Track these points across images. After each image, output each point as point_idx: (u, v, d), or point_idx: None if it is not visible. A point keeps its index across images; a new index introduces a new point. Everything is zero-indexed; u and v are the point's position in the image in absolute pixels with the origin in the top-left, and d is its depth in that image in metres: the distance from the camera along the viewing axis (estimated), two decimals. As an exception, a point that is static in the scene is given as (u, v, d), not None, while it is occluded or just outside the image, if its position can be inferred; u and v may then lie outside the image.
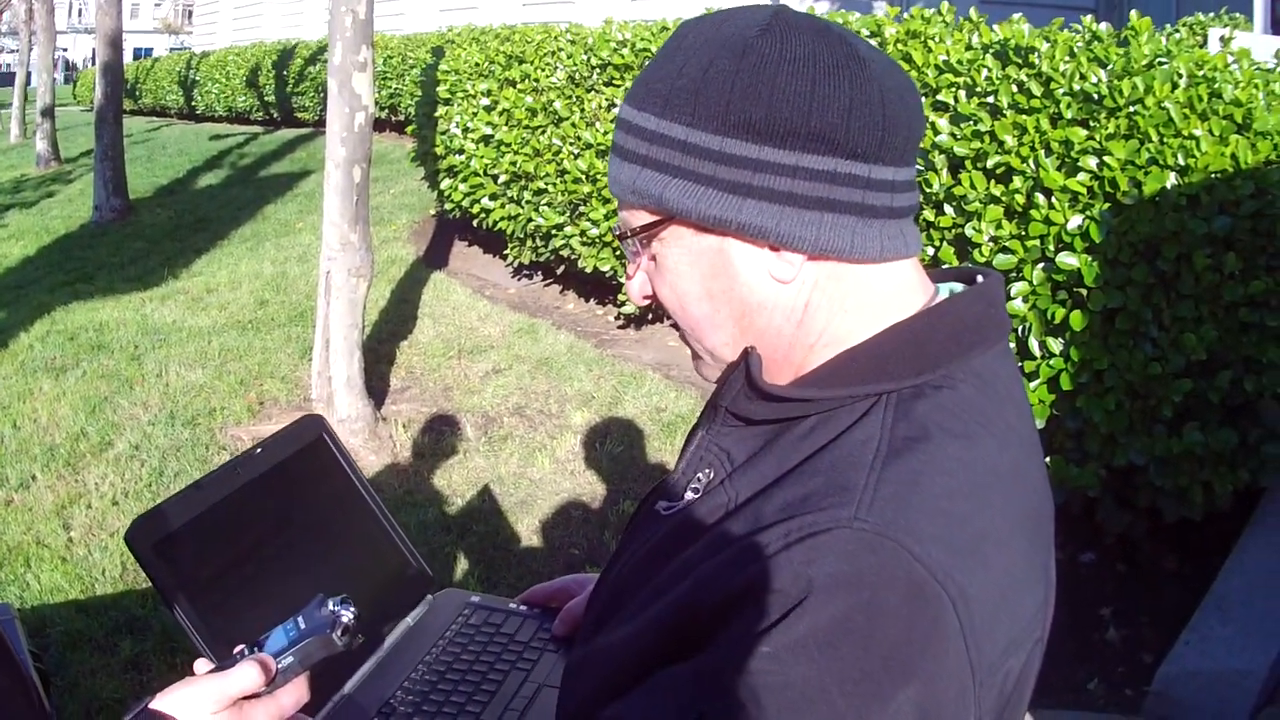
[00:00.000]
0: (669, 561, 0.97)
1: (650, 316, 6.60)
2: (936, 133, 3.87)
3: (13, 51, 34.85)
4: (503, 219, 7.35)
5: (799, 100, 0.91)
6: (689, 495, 1.04)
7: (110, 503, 4.82)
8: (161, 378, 6.31)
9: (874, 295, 0.98)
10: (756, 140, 0.92)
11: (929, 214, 3.84)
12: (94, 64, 15.30)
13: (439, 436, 5.34)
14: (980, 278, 1.06)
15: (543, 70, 7.04)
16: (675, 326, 1.09)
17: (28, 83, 25.49)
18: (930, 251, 3.82)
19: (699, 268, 1.00)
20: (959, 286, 1.06)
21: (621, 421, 5.33)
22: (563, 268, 7.18)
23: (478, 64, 7.93)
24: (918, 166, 3.71)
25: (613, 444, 5.10)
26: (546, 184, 6.67)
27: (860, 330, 0.97)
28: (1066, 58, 3.82)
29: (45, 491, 4.95)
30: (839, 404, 0.94)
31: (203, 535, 1.22)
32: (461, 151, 7.69)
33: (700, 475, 1.04)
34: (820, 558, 0.81)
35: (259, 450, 1.32)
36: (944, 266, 1.14)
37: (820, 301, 0.97)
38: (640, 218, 1.02)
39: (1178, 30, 4.25)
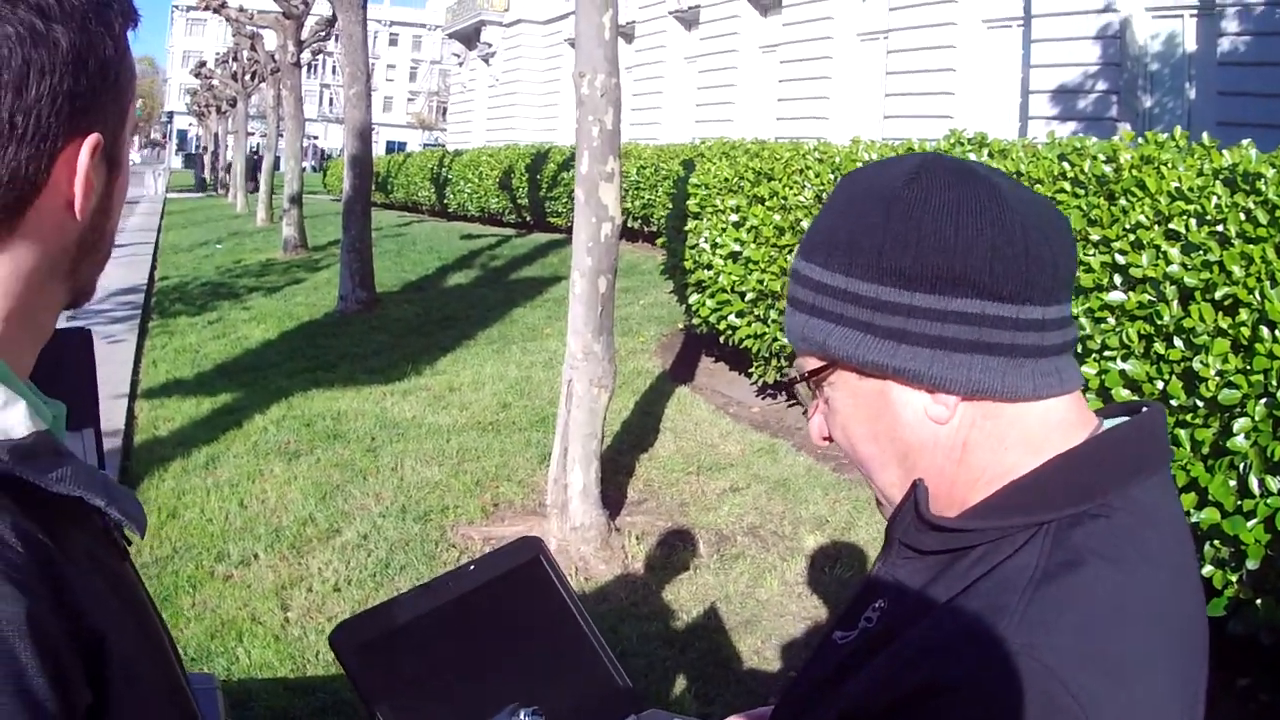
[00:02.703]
0: (841, 687, 1.10)
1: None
2: (1169, 263, 4.14)
3: (262, 136, 37.37)
4: (748, 337, 7.85)
5: (944, 246, 1.04)
6: (863, 624, 1.16)
7: (332, 588, 5.24)
8: (396, 471, 6.89)
9: (1032, 431, 1.09)
10: (908, 287, 1.05)
11: (1159, 347, 4.10)
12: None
13: (671, 551, 5.75)
14: (1144, 409, 1.16)
15: (791, 188, 7.53)
16: None
17: (275, 167, 27.33)
18: (1160, 386, 4.08)
19: (863, 410, 1.14)
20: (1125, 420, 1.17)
21: (853, 546, 5.68)
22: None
23: (727, 179, 8.47)
24: (1150, 297, 3.98)
25: (842, 568, 5.45)
26: (792, 303, 7.10)
27: (1022, 465, 1.08)
28: (1291, 185, 4.01)
29: (266, 571, 5.41)
30: (1003, 534, 1.05)
31: (408, 644, 1.32)
32: (710, 267, 8.26)
33: (875, 604, 1.16)
34: (968, 672, 0.95)
35: (473, 567, 1.44)
36: (1113, 404, 1.26)
37: (979, 440, 1.09)
38: (810, 363, 1.17)
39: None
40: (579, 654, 1.55)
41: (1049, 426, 1.09)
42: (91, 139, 0.95)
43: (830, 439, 1.21)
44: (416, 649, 1.31)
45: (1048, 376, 1.08)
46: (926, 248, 1.04)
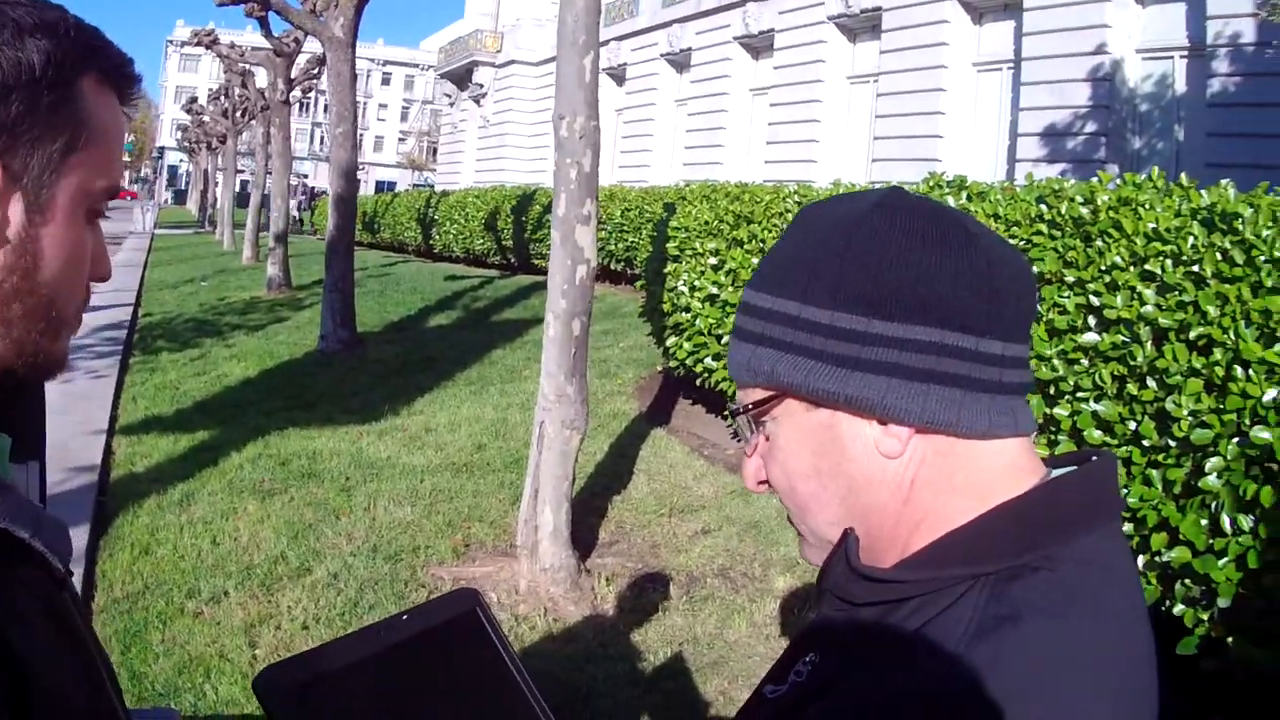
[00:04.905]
0: None
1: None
2: (1143, 303, 4.16)
3: (252, 174, 37.68)
4: (724, 379, 7.85)
5: (905, 271, 1.01)
6: (793, 678, 1.14)
7: (300, 626, 5.22)
8: (369, 511, 6.90)
9: (981, 474, 1.05)
10: (864, 313, 1.02)
11: (1133, 387, 4.11)
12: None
13: (640, 592, 5.74)
14: (1094, 458, 1.12)
15: (769, 231, 7.57)
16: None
17: (263, 205, 27.41)
18: (1132, 426, 4.08)
19: (808, 445, 1.09)
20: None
21: (824, 589, 5.62)
22: (782, 432, 7.53)
23: (707, 222, 8.53)
24: (1124, 338, 3.97)
25: (811, 610, 5.38)
26: (768, 347, 7.12)
27: (966, 510, 1.04)
28: (1269, 224, 4.02)
29: (236, 608, 5.40)
30: (938, 586, 1.01)
31: (335, 692, 1.27)
32: (688, 309, 8.29)
33: (807, 658, 1.14)
34: None
35: (405, 616, 1.39)
36: (1062, 453, 1.22)
37: (927, 478, 1.05)
38: (755, 395, 1.12)
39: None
40: (513, 709, 1.47)
41: (997, 470, 1.05)
42: None
43: (765, 483, 1.16)
44: (343, 697, 1.26)
45: (1002, 415, 1.04)
46: (887, 272, 1.01)
